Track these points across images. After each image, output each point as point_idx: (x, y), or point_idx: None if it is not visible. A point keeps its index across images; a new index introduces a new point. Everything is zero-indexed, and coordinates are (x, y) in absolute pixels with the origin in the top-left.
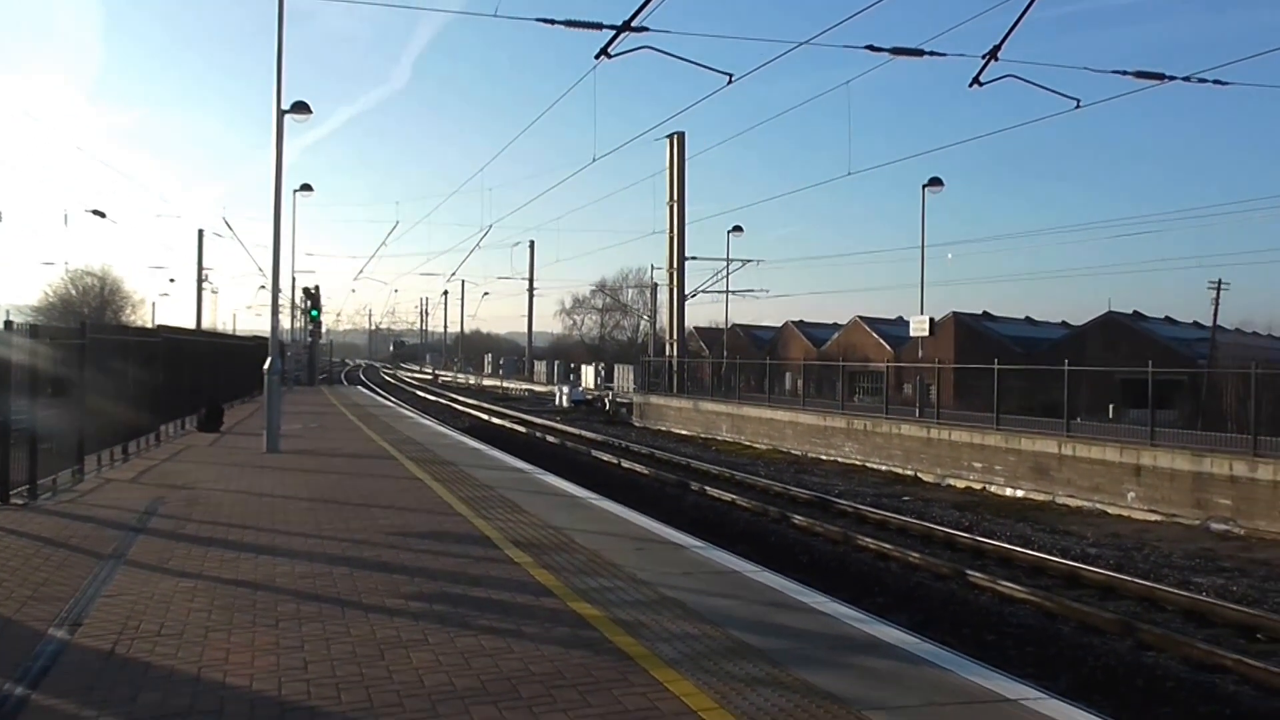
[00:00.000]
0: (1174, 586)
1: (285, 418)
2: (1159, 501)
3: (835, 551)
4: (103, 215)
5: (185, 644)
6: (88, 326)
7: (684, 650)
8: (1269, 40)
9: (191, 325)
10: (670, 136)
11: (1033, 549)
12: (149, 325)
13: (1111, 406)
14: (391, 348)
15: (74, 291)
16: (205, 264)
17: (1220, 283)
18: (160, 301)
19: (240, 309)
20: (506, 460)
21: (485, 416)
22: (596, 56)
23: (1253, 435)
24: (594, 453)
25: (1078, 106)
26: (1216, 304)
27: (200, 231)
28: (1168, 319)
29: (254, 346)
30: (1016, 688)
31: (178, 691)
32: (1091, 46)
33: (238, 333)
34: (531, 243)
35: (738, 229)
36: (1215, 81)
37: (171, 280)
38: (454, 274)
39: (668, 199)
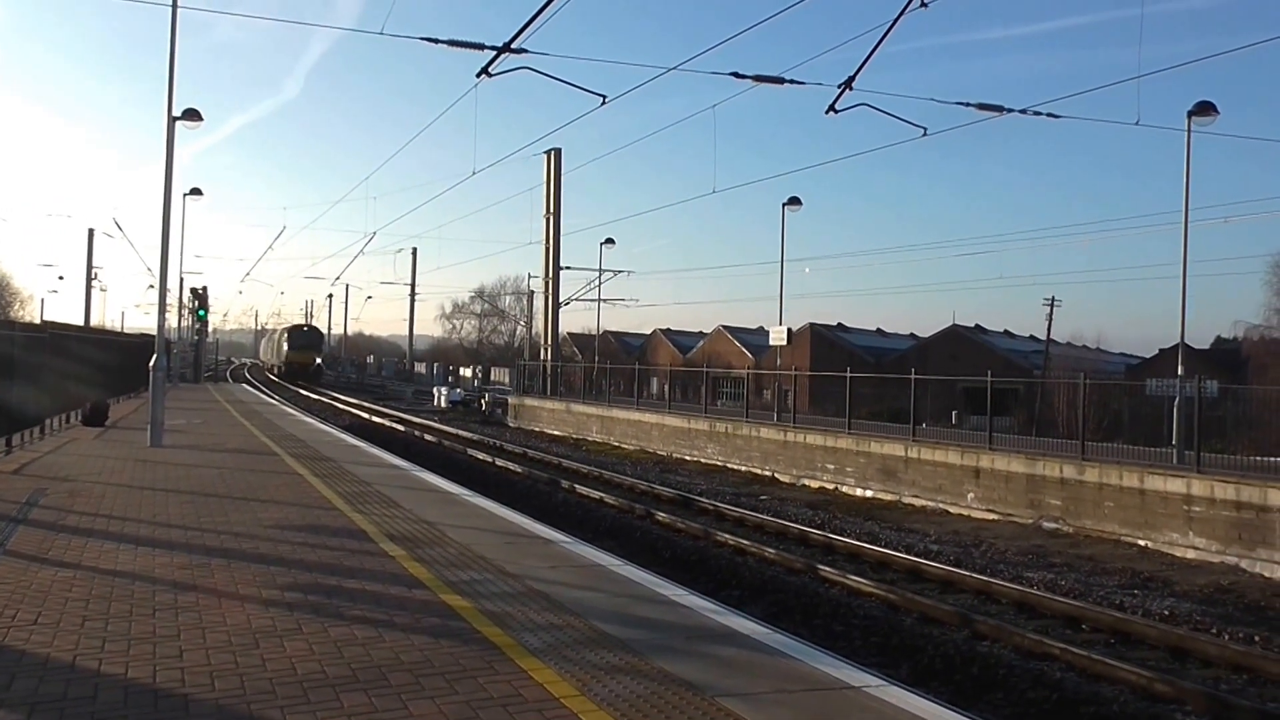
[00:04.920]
0: (1008, 581)
1: (170, 413)
2: (996, 502)
3: (696, 547)
4: None
5: (61, 633)
6: None
7: (548, 640)
8: (1091, 79)
9: (80, 322)
10: (548, 152)
11: (880, 545)
12: (36, 321)
13: (955, 413)
14: (261, 348)
15: None
16: (95, 263)
17: (1053, 300)
18: (49, 298)
19: (129, 307)
20: (385, 457)
21: (366, 415)
22: (478, 75)
23: (1081, 440)
24: (470, 451)
25: (925, 134)
26: (1050, 319)
27: (91, 231)
28: (1006, 332)
29: (141, 343)
30: (861, 675)
31: (52, 679)
32: (938, 80)
33: (126, 330)
34: (414, 250)
35: (610, 241)
36: (1048, 114)
37: (61, 278)
38: (339, 278)
39: (545, 211)
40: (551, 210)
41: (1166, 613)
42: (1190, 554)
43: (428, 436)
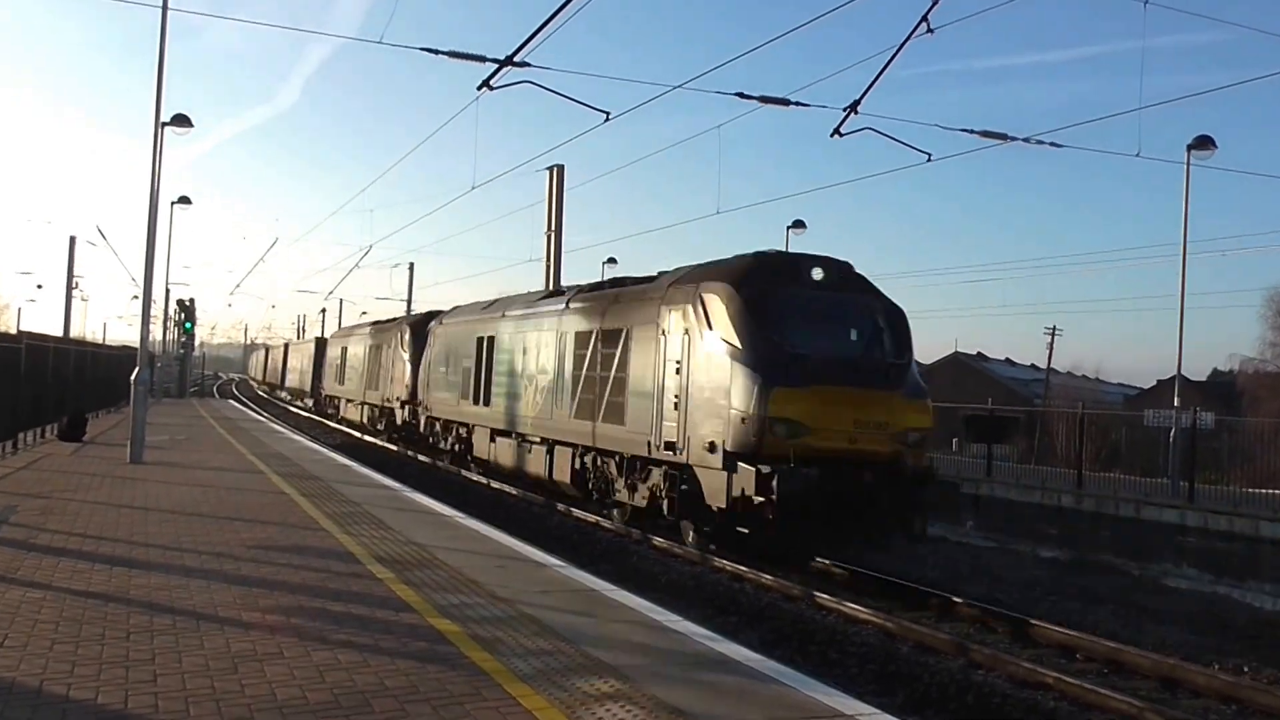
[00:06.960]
0: (1004, 609)
1: (152, 429)
2: (993, 529)
3: (693, 572)
4: None
5: (29, 656)
6: None
7: (538, 666)
8: (1095, 109)
9: (59, 333)
10: (550, 168)
11: (876, 572)
12: (12, 331)
13: (955, 440)
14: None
15: None
16: (77, 272)
17: (1055, 329)
18: (27, 308)
19: (112, 318)
20: (375, 478)
21: (358, 434)
22: (479, 88)
23: (1078, 471)
24: (464, 472)
25: (929, 160)
26: (1051, 348)
27: (72, 239)
28: (1008, 360)
29: (123, 356)
30: (853, 704)
31: (18, 704)
32: (944, 105)
33: (109, 342)
34: (411, 264)
35: (612, 260)
36: (1051, 144)
37: (39, 286)
38: (332, 292)
39: (546, 228)
40: (553, 227)
41: (1159, 642)
42: (1183, 584)
43: (421, 456)
